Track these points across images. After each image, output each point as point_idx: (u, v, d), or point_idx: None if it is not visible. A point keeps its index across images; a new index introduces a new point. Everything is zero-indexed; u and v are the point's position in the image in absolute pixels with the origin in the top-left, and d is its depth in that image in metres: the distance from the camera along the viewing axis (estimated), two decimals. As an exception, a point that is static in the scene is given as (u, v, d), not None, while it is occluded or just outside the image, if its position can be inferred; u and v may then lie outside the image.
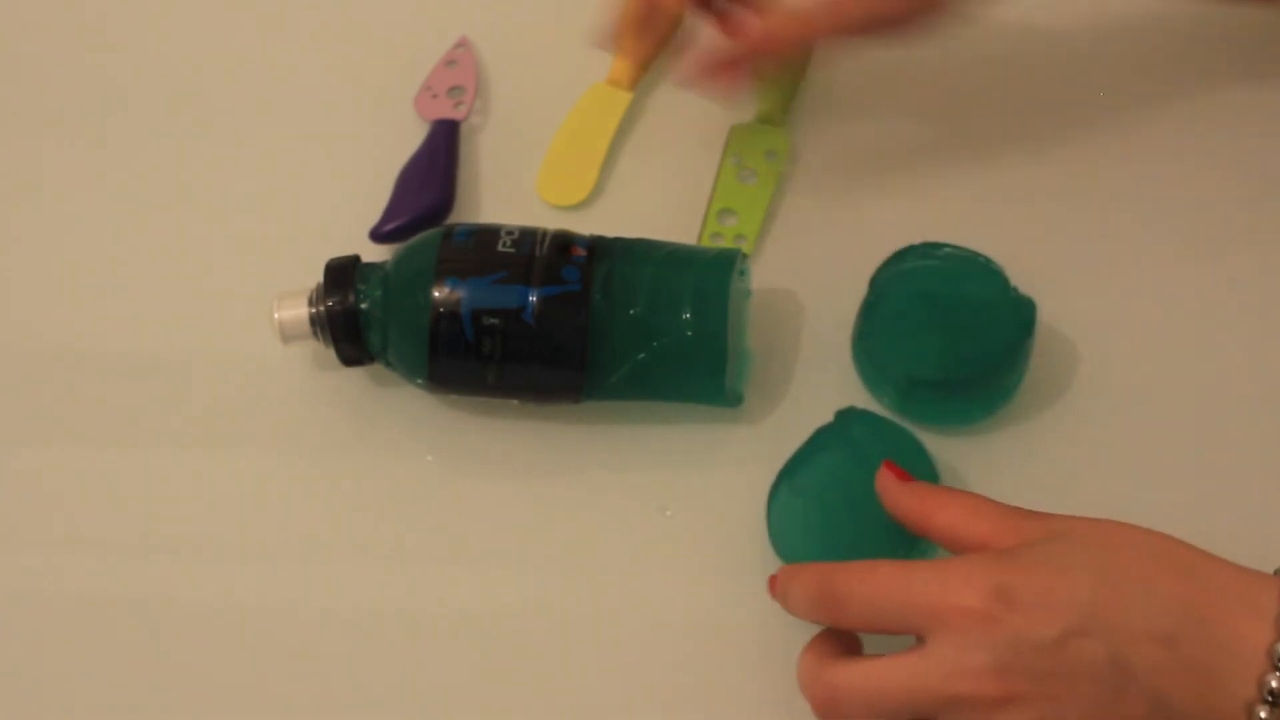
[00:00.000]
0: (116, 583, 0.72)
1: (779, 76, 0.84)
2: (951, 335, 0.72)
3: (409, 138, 0.84)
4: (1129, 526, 0.59)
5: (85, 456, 0.76)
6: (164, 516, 0.74)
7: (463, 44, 0.87)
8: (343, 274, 0.73)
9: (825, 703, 0.60)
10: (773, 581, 0.65)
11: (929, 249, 0.74)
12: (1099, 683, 0.56)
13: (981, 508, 0.62)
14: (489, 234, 0.72)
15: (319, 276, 0.74)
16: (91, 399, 0.77)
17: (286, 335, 0.74)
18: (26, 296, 0.81)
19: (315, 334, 0.74)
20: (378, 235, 0.80)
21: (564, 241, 0.72)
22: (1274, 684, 0.55)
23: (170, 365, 0.78)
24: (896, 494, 0.65)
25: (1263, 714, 0.55)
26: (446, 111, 0.85)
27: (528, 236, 0.72)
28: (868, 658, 0.60)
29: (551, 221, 0.74)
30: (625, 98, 0.85)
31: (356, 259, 0.74)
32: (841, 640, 0.63)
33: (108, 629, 0.71)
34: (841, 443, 0.71)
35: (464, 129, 0.85)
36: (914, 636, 0.59)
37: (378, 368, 0.75)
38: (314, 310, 0.73)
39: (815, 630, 0.63)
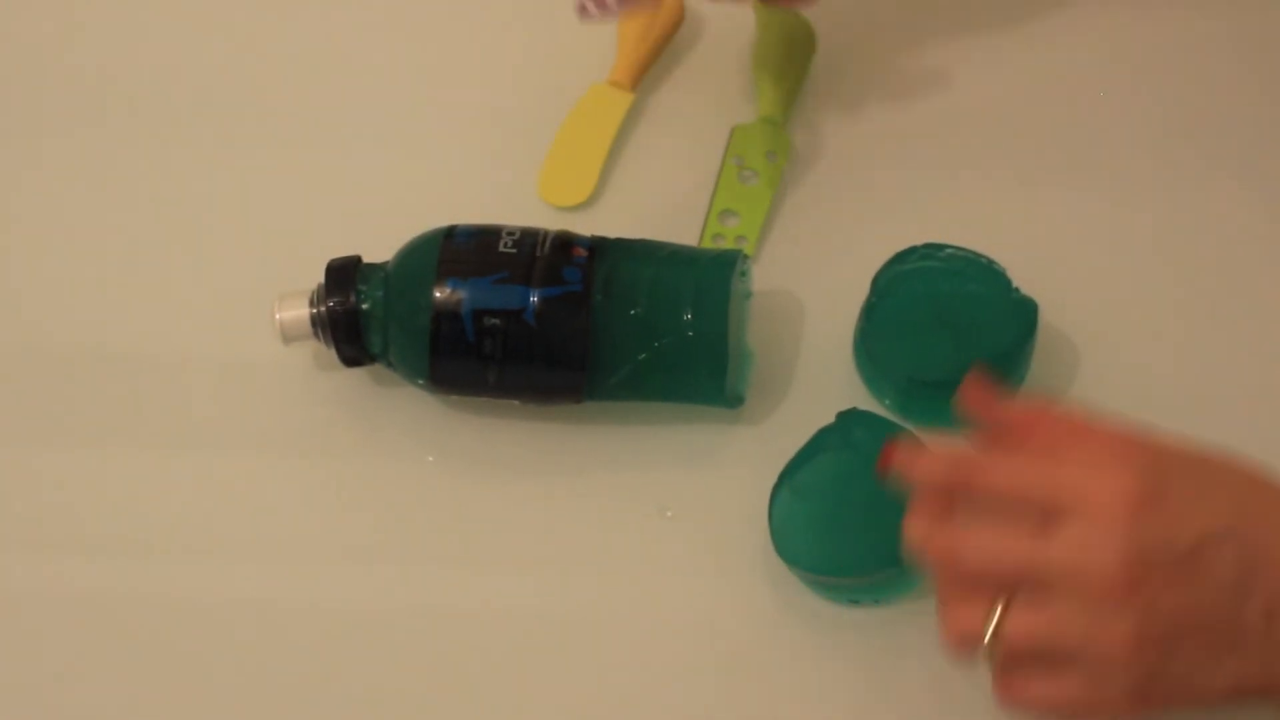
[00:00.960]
0: (116, 582, 0.72)
1: (781, 76, 0.84)
2: (953, 336, 0.72)
3: (408, 138, 0.84)
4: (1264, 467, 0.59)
5: (85, 456, 0.76)
6: (164, 516, 0.74)
7: None
8: (344, 274, 0.73)
9: (945, 552, 0.59)
10: (890, 451, 0.62)
11: (931, 250, 0.74)
12: (1222, 591, 0.56)
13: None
14: (490, 234, 0.72)
15: (320, 277, 0.73)
16: (92, 399, 0.77)
17: (288, 336, 0.74)
18: (26, 297, 0.81)
19: (316, 334, 0.74)
20: None
21: (565, 242, 0.72)
22: None
23: (171, 365, 0.78)
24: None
25: None
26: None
27: (529, 237, 0.72)
28: (987, 525, 0.59)
29: (553, 222, 0.74)
30: (626, 98, 0.85)
31: (358, 259, 0.74)
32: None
33: (108, 629, 0.71)
34: (843, 444, 0.71)
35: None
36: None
37: (379, 368, 0.75)
38: (315, 311, 0.73)
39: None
